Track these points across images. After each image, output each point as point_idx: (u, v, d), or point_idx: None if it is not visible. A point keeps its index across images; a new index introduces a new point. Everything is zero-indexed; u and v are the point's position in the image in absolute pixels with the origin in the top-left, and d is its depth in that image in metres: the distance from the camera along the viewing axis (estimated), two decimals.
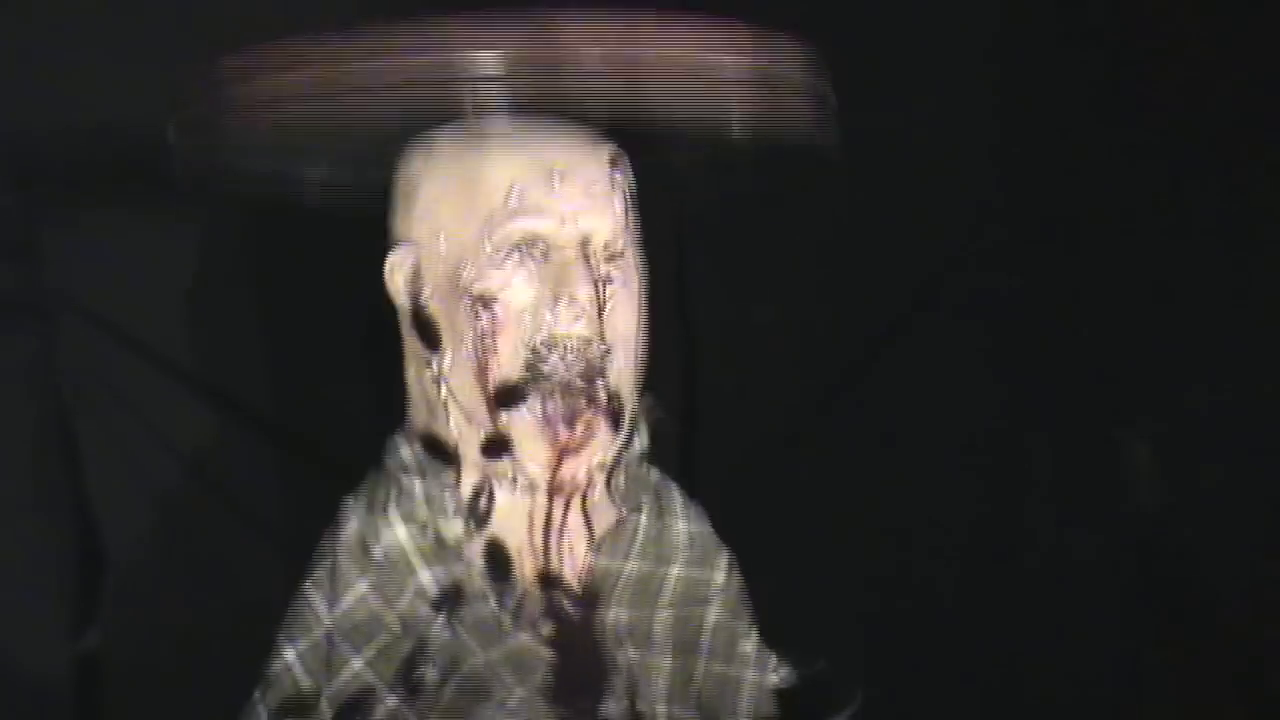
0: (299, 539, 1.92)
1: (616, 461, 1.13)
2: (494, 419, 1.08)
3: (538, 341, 1.07)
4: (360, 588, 1.09)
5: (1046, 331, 2.44)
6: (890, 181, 2.16)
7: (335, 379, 1.93)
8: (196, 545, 1.89)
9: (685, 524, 1.17)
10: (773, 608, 2.12)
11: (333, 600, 1.10)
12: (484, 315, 1.07)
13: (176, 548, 1.88)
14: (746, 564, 1.94)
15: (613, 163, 1.11)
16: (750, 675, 1.17)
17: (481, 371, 1.08)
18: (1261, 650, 2.66)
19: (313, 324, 1.89)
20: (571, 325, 1.06)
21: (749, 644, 1.19)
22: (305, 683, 1.10)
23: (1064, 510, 2.56)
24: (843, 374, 2.33)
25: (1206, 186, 2.45)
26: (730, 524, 2.16)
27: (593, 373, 1.07)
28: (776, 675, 1.20)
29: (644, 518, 1.15)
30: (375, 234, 1.90)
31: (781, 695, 1.21)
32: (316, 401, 1.93)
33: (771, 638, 1.26)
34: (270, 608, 1.90)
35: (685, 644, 1.14)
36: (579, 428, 1.07)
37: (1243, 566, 2.64)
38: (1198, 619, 2.66)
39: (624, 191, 1.12)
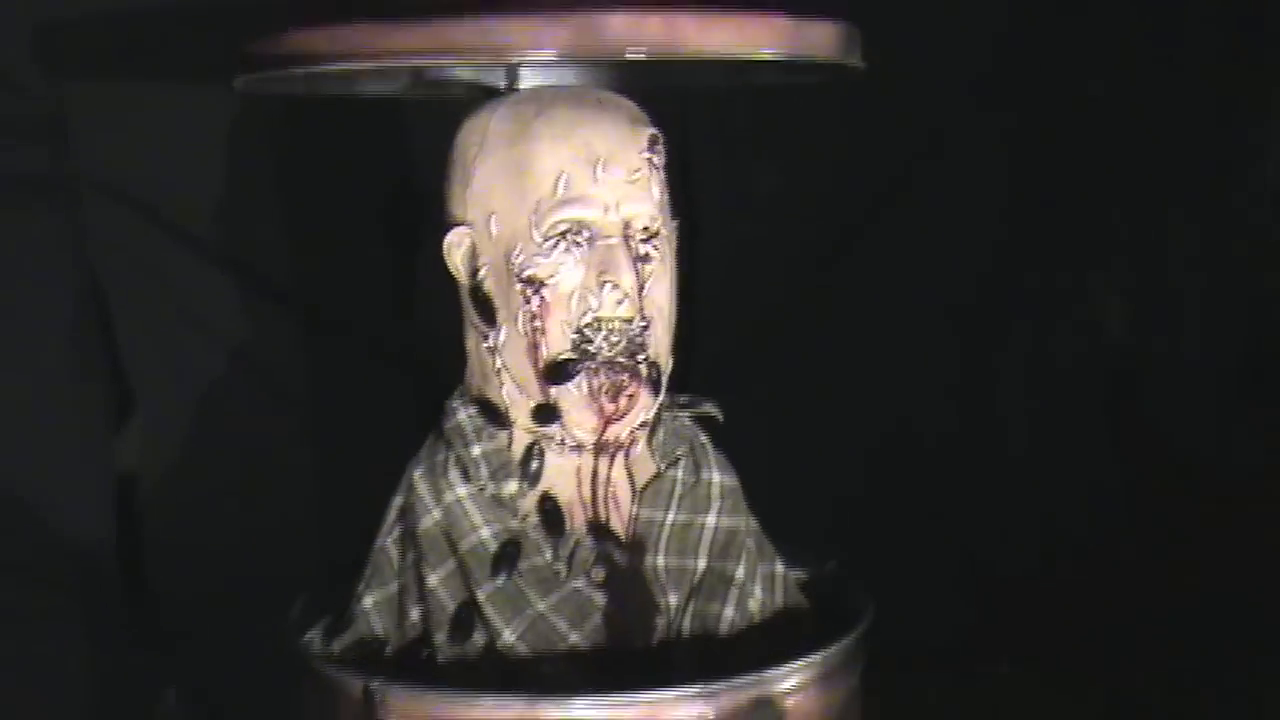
0: (318, 405, 2.03)
1: (656, 420, 1.20)
2: (544, 391, 1.15)
3: (584, 323, 1.13)
4: (426, 540, 1.17)
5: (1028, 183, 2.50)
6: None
7: (354, 254, 1.98)
8: (223, 411, 1.95)
9: (719, 475, 1.24)
10: (771, 477, 2.24)
11: (402, 556, 1.18)
12: (534, 298, 1.13)
13: (205, 414, 1.95)
14: (744, 435, 2.05)
15: (651, 145, 1.16)
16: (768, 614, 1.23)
17: (532, 349, 1.14)
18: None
19: (333, 201, 1.92)
20: (615, 309, 1.13)
21: (774, 583, 1.26)
22: (377, 629, 1.18)
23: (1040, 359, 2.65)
24: (836, 238, 2.38)
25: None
26: (729, 393, 2.26)
27: (634, 348, 1.14)
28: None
29: (681, 472, 1.22)
30: (394, 117, 1.93)
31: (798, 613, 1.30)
32: (335, 274, 1.98)
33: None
34: (289, 468, 2.02)
35: (714, 591, 1.19)
36: (623, 400, 1.14)
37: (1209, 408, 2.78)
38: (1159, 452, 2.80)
39: (661, 171, 1.17)
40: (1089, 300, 2.70)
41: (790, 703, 1.06)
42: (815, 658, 1.09)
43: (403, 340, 2.00)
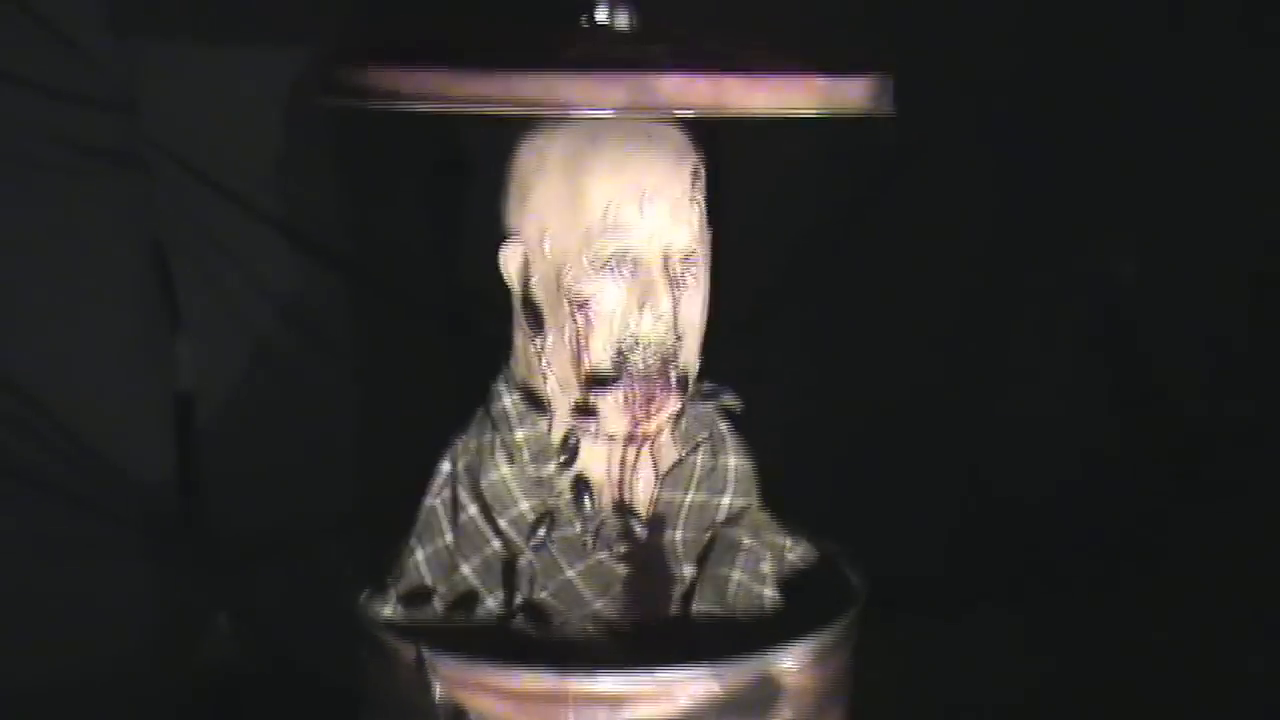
0: (363, 355, 2.15)
1: (680, 410, 1.32)
2: (584, 394, 1.27)
3: (623, 343, 1.24)
4: (471, 510, 1.30)
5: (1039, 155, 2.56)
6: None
7: (401, 218, 2.08)
8: (275, 359, 2.08)
9: (735, 460, 1.36)
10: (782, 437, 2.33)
11: (451, 518, 1.31)
12: (579, 315, 1.24)
13: (258, 362, 2.08)
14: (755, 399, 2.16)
15: (693, 177, 1.26)
16: (769, 592, 1.33)
17: (575, 359, 1.25)
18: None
19: (384, 168, 2.02)
20: (653, 329, 1.24)
21: (768, 557, 1.35)
22: (427, 579, 1.31)
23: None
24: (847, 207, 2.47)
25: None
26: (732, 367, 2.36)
27: (668, 364, 1.25)
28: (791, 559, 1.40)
29: (700, 457, 1.34)
30: None
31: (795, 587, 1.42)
32: (382, 236, 2.09)
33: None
34: (336, 412, 2.14)
35: (719, 557, 1.31)
36: (653, 406, 1.26)
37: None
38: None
39: (701, 202, 1.27)
40: (1091, 257, 2.74)
41: (790, 680, 1.19)
42: (813, 639, 1.22)
43: (443, 297, 2.11)
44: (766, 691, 1.19)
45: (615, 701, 1.15)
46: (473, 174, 1.61)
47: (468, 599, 1.29)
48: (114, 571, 2.07)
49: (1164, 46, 2.55)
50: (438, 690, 1.17)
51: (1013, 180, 2.54)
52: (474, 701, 1.16)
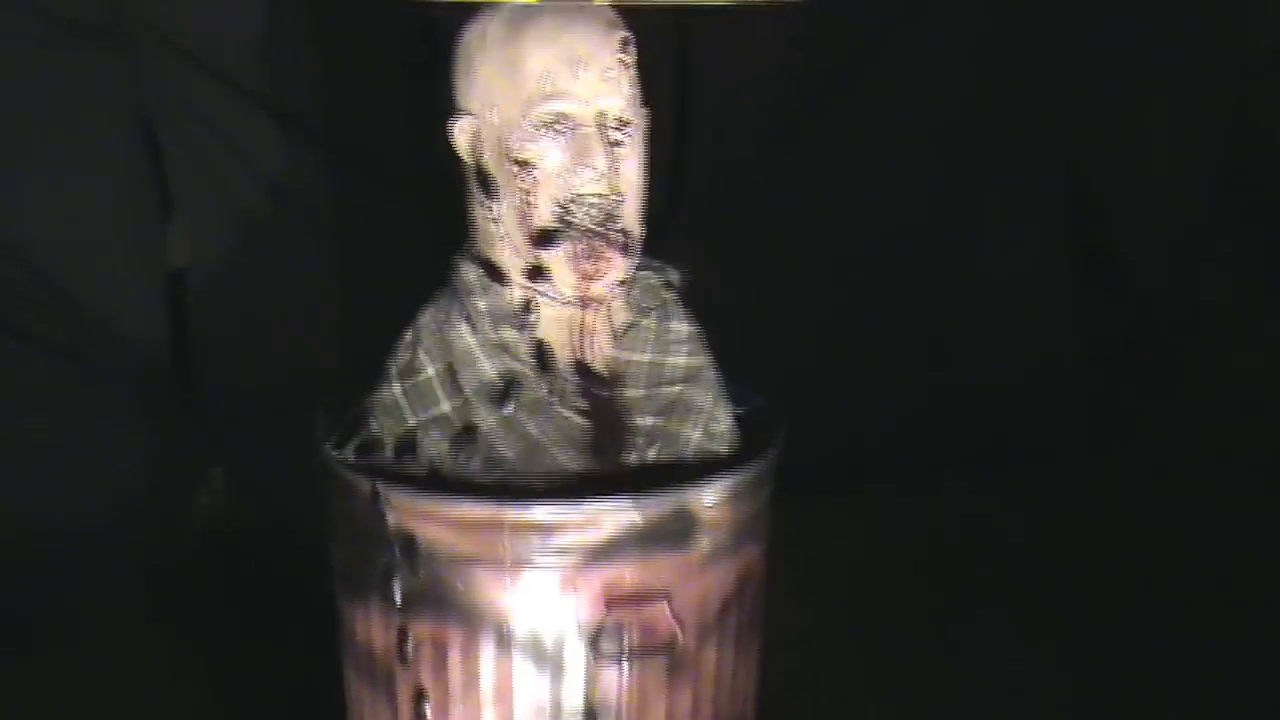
0: (345, 231, 2.26)
1: (631, 279, 1.43)
2: (534, 255, 1.37)
3: (565, 199, 1.35)
4: (428, 372, 1.39)
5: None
6: None
7: (376, 94, 2.18)
8: (258, 228, 2.19)
9: (684, 325, 1.46)
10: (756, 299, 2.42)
11: (411, 381, 1.39)
12: (525, 177, 1.34)
13: (242, 231, 2.19)
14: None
15: (623, 46, 1.36)
16: (723, 450, 1.43)
17: (523, 220, 1.36)
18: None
19: (359, 46, 2.11)
20: (591, 186, 1.35)
21: (723, 424, 1.45)
22: (382, 434, 1.38)
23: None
24: (829, 76, 2.55)
25: None
26: (715, 219, 2.45)
27: (608, 219, 1.36)
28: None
29: (653, 320, 1.45)
30: None
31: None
32: (358, 111, 2.19)
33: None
34: (326, 291, 2.25)
35: (681, 416, 1.41)
36: (600, 263, 1.37)
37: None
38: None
39: (631, 69, 1.37)
40: (1063, 131, 2.84)
41: (705, 514, 1.33)
42: (727, 478, 1.35)
43: (415, 169, 2.19)
44: (683, 523, 1.32)
45: (546, 529, 1.28)
46: (445, 51, 1.69)
47: (409, 451, 1.38)
48: (113, 428, 2.21)
49: None
50: (391, 520, 1.30)
51: (985, 61, 2.63)
52: (423, 530, 1.30)
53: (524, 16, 1.34)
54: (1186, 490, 2.65)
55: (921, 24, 2.60)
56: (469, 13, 1.39)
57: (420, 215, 2.21)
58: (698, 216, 2.47)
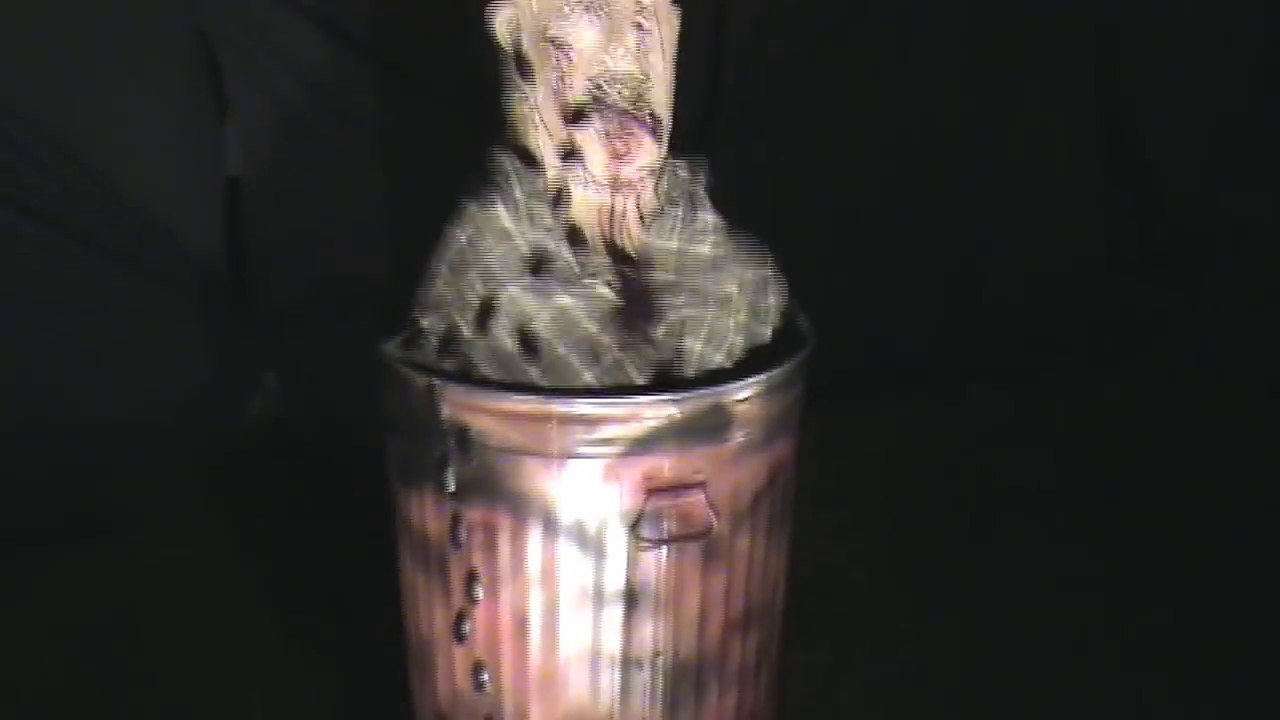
0: (393, 140, 2.33)
1: (660, 167, 1.50)
2: (568, 134, 1.44)
3: (599, 76, 1.43)
4: (461, 240, 1.45)
5: None
6: None
7: (421, 11, 2.24)
8: (311, 137, 2.27)
9: (710, 215, 1.52)
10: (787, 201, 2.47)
11: (454, 271, 1.46)
12: (560, 57, 1.42)
13: (297, 138, 2.27)
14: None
15: None
16: (756, 327, 1.51)
17: (558, 98, 1.43)
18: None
19: None
20: (622, 63, 1.43)
21: (765, 298, 1.52)
22: (436, 325, 1.45)
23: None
24: None
25: None
26: (750, 131, 2.50)
27: (638, 98, 1.44)
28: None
29: (680, 210, 1.52)
30: None
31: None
32: (404, 27, 2.25)
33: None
34: (377, 197, 2.33)
35: (717, 303, 1.48)
36: (631, 141, 1.44)
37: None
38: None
39: None
40: (1096, 50, 2.88)
41: (738, 409, 1.41)
42: (759, 377, 1.43)
43: (457, 83, 2.23)
44: (719, 418, 1.41)
45: (591, 422, 1.37)
46: None
47: (451, 335, 1.46)
48: (171, 330, 2.31)
49: None
50: (445, 411, 1.39)
51: None
52: (475, 421, 1.38)
53: None
54: (1210, 399, 2.71)
55: None
56: None
57: (464, 124, 2.27)
58: (732, 128, 2.52)
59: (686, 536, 1.41)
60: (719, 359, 1.48)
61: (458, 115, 2.19)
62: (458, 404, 1.40)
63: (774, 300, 1.56)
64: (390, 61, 2.28)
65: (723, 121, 2.51)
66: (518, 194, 1.48)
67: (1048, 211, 2.90)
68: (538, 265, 1.46)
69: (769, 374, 1.44)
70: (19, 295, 2.19)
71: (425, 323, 1.50)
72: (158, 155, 2.20)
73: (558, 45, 1.43)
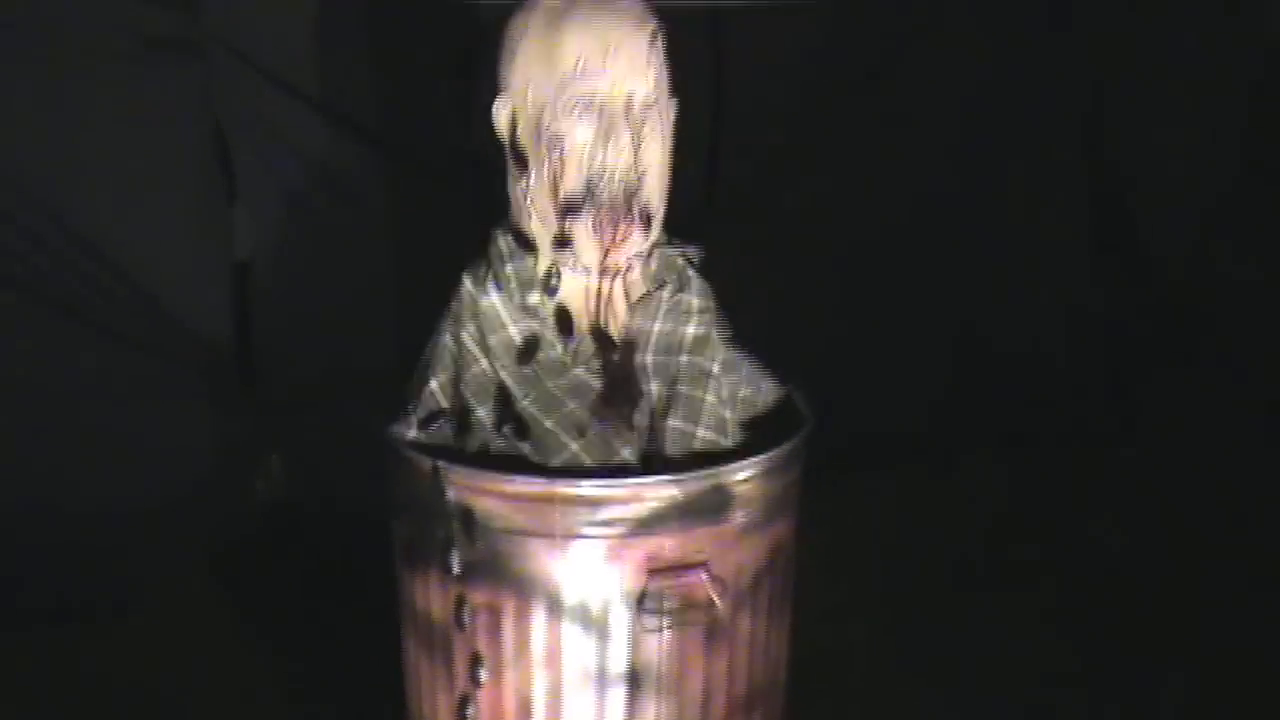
0: (398, 223, 2.37)
1: (649, 252, 1.54)
2: (561, 224, 1.48)
3: (592, 172, 1.46)
4: (467, 332, 1.50)
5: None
6: None
7: (427, 102, 2.29)
8: (318, 229, 2.32)
9: (697, 298, 1.55)
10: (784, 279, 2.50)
11: (455, 350, 1.51)
12: (555, 151, 1.46)
13: (303, 232, 2.32)
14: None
15: (652, 38, 1.47)
16: (729, 415, 1.53)
17: (553, 190, 1.47)
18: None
19: (414, 58, 2.23)
20: (616, 161, 1.46)
21: (741, 385, 1.56)
22: (442, 404, 1.52)
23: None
24: (860, 72, 2.65)
25: None
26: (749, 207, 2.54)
27: (630, 194, 1.47)
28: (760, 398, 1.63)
29: (666, 292, 1.55)
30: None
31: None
32: (411, 117, 2.31)
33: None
34: (382, 280, 2.37)
35: (694, 381, 1.52)
36: (619, 233, 1.47)
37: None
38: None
39: (659, 60, 1.48)
40: (1085, 121, 2.91)
41: (739, 489, 1.43)
42: (761, 457, 1.45)
43: (462, 170, 2.28)
44: (720, 498, 1.42)
45: (594, 503, 1.39)
46: (487, 51, 1.81)
47: (465, 413, 1.50)
48: (178, 412, 2.33)
49: None
50: (450, 493, 1.41)
51: (1009, 42, 2.72)
52: (480, 504, 1.40)
53: (563, 8, 1.46)
54: (1207, 470, 2.71)
55: (946, 15, 2.66)
56: (511, 10, 1.51)
57: (466, 207, 2.31)
58: (731, 206, 2.57)
59: (688, 617, 1.42)
60: (702, 434, 1.51)
61: (461, 198, 2.26)
62: (462, 486, 1.41)
63: (764, 383, 1.59)
64: (395, 147, 2.32)
65: (721, 203, 2.55)
66: (509, 274, 1.52)
67: (1041, 284, 2.93)
68: (528, 352, 1.50)
69: (768, 455, 1.47)
70: (28, 377, 2.22)
71: (428, 398, 1.53)
72: (167, 239, 2.24)
73: (554, 141, 1.47)
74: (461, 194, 2.28)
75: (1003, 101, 2.77)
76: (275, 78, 2.21)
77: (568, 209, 1.48)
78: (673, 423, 1.50)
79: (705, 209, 2.52)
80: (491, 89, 1.52)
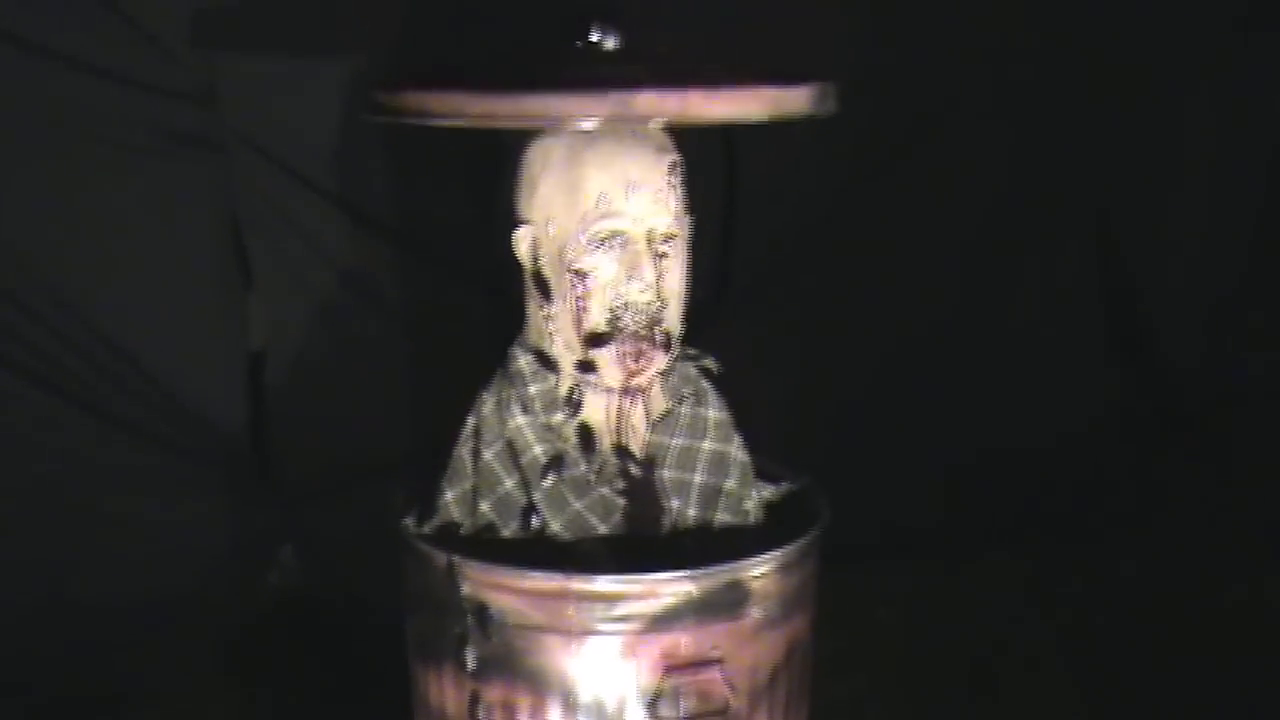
0: (414, 318, 2.39)
1: (669, 368, 1.55)
2: (585, 351, 1.50)
3: (615, 306, 1.47)
4: (488, 455, 1.52)
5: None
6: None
7: (445, 198, 2.33)
8: (338, 328, 2.34)
9: (714, 411, 1.58)
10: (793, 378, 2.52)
11: (474, 464, 1.53)
12: (579, 285, 1.47)
13: (321, 322, 2.34)
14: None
15: (671, 170, 1.49)
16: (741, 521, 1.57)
17: (577, 323, 1.48)
18: None
19: (433, 155, 2.25)
20: (639, 296, 1.47)
21: (749, 502, 1.58)
22: (456, 517, 1.55)
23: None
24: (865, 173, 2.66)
25: None
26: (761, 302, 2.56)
27: (653, 323, 1.49)
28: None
29: (685, 407, 1.57)
30: None
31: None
32: (434, 216, 2.34)
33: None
34: (397, 375, 2.39)
35: (708, 499, 1.54)
36: (642, 361, 1.49)
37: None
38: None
39: (679, 189, 1.50)
40: (1094, 213, 2.93)
41: (755, 585, 1.43)
42: (777, 552, 1.45)
43: (482, 265, 2.31)
44: (736, 594, 1.42)
45: (610, 599, 1.38)
46: (508, 160, 1.84)
47: (486, 532, 1.52)
48: (191, 503, 2.34)
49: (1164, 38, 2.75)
50: (465, 589, 1.41)
51: (1017, 141, 2.73)
52: (494, 599, 1.40)
53: (584, 143, 1.47)
54: (1223, 565, 2.70)
55: (957, 113, 2.70)
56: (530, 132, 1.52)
57: (484, 305, 2.34)
58: (743, 299, 2.59)
59: (704, 715, 1.42)
60: (721, 517, 1.54)
61: (479, 296, 2.34)
62: (477, 581, 1.41)
63: (768, 491, 1.61)
64: (414, 244, 2.35)
65: (735, 291, 2.57)
66: (533, 394, 1.54)
67: (1053, 382, 2.93)
68: (552, 471, 1.52)
69: (784, 550, 1.46)
70: (41, 468, 2.23)
71: (449, 508, 1.55)
72: (182, 330, 2.27)
73: (577, 275, 1.48)
74: (478, 291, 2.35)
75: (1012, 199, 2.79)
76: (292, 172, 2.24)
77: (593, 341, 1.50)
78: (692, 543, 1.52)
79: (721, 291, 2.53)
80: (508, 191, 1.53)
